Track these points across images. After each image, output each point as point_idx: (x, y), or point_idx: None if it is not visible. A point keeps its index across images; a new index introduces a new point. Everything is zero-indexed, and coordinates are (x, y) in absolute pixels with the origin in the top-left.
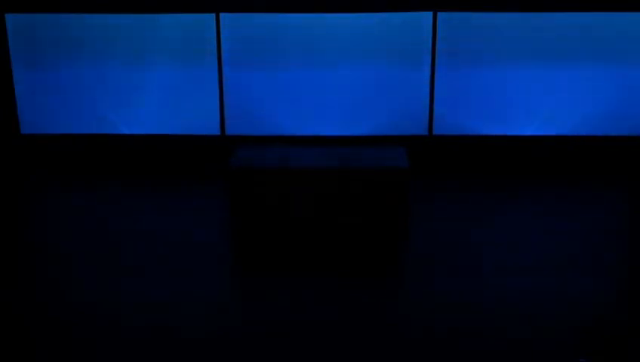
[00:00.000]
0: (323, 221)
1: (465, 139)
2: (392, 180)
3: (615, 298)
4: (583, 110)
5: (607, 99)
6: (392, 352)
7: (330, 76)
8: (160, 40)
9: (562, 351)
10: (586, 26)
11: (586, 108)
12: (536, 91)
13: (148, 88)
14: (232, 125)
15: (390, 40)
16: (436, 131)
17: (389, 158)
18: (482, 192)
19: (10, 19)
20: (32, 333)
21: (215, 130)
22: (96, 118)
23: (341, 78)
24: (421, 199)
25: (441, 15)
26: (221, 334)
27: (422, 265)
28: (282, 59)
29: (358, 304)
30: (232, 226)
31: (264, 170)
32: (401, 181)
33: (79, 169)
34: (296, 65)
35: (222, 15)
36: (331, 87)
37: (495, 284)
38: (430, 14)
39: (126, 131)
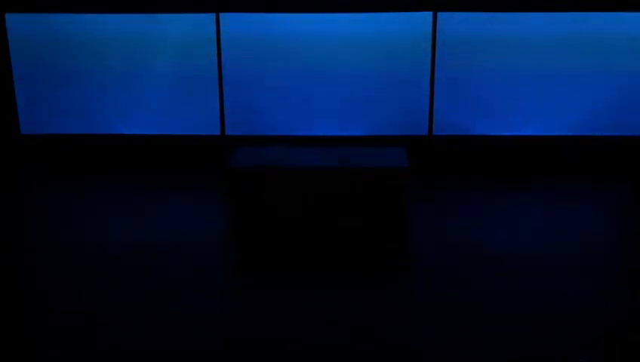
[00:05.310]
0: (323, 221)
1: (465, 139)
2: (392, 180)
3: (615, 298)
4: (582, 110)
5: (608, 99)
6: (392, 351)
7: (330, 76)
8: (160, 40)
9: (563, 350)
10: (587, 26)
11: (586, 108)
12: (537, 91)
13: (148, 88)
14: (232, 125)
15: (390, 40)
16: (436, 131)
17: (389, 158)
18: (482, 192)
19: (10, 19)
20: (33, 332)
21: (215, 130)
22: (96, 118)
23: (341, 78)
24: (421, 199)
25: (441, 15)
26: (221, 333)
27: (422, 265)
28: (282, 60)
29: (359, 303)
30: (232, 226)
31: (264, 170)
32: (401, 181)
33: (79, 169)
34: (296, 65)
35: (222, 15)
36: (331, 87)
37: (496, 284)
38: (430, 14)
39: (126, 131)
